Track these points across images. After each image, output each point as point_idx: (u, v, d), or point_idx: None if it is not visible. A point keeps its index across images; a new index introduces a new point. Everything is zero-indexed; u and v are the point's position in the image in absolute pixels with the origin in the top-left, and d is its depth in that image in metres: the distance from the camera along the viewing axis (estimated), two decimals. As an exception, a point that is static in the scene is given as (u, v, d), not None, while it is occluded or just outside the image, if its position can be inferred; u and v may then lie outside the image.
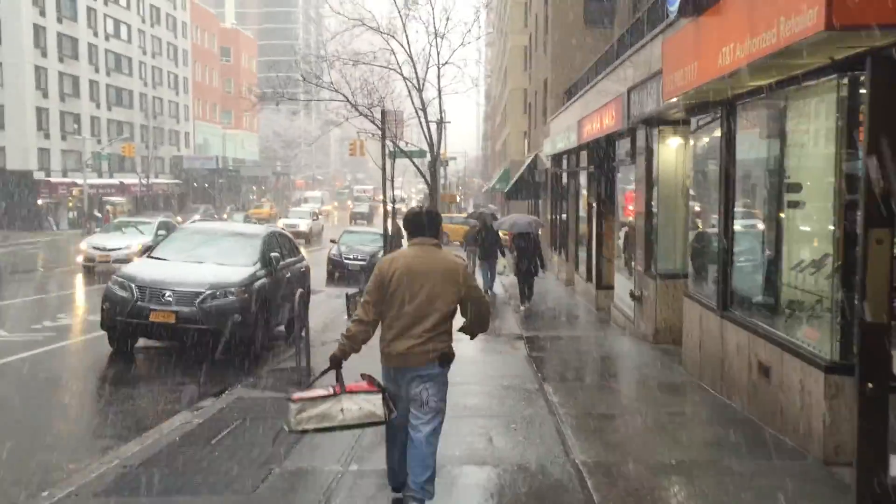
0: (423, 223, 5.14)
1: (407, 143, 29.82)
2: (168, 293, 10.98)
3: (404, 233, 6.00)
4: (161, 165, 72.04)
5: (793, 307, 7.25)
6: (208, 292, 11.06)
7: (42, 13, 54.50)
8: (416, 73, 27.41)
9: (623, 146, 14.23)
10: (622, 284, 14.22)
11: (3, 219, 49.61)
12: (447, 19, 28.24)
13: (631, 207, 13.64)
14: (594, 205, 17.36)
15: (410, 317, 4.92)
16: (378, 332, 5.13)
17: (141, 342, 11.69)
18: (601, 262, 16.84)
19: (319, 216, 61.28)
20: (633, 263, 12.99)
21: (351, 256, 26.19)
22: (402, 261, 5.01)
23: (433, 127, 29.24)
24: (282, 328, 13.53)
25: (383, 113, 18.00)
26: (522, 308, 16.57)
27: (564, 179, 22.98)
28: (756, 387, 7.30)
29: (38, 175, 54.20)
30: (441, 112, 33.29)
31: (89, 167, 55.56)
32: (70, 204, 56.78)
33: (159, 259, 12.15)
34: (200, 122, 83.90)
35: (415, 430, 4.97)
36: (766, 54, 5.60)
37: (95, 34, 61.75)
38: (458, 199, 64.17)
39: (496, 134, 73.28)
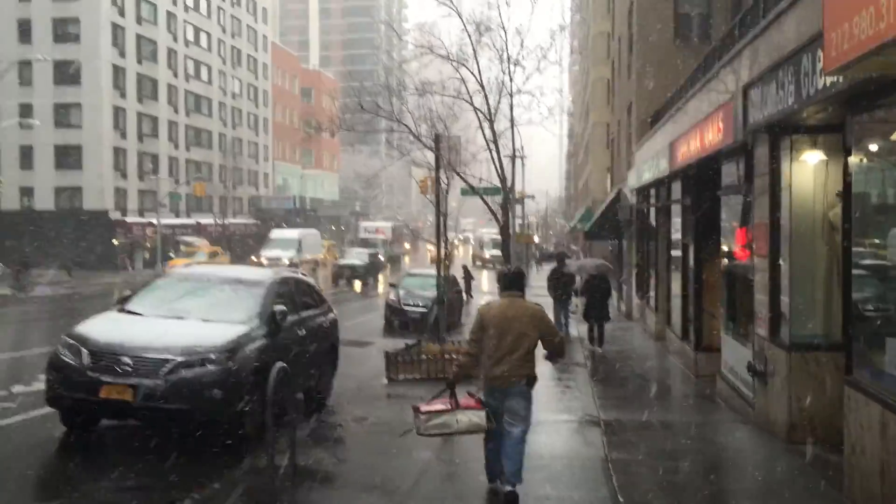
0: (511, 280, 7.07)
1: (481, 180, 27.01)
2: (126, 360, 8.33)
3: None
4: (239, 206, 71.61)
5: None
6: (179, 360, 8.34)
7: (122, 53, 54.71)
8: (486, 102, 24.71)
9: (732, 169, 11.00)
10: (733, 350, 10.87)
11: (81, 259, 49.01)
12: (521, 44, 25.57)
13: (745, 248, 10.38)
14: (690, 245, 14.11)
15: (504, 349, 6.66)
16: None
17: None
18: (701, 318, 13.49)
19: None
20: (741, 319, 9.68)
21: (411, 302, 23.36)
22: (496, 308, 6.89)
23: (506, 162, 26.26)
24: (300, 395, 10.78)
25: (437, 138, 15.29)
26: (593, 349, 16.56)
27: (652, 216, 19.68)
28: None
29: (114, 215, 54.00)
30: (514, 146, 30.31)
31: (164, 207, 54.94)
32: (147, 244, 56.27)
33: (130, 313, 9.54)
34: (280, 162, 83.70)
35: (508, 434, 6.66)
36: None
37: (175, 75, 61.94)
38: (535, 239, 60.77)
39: (579, 172, 70.13)
